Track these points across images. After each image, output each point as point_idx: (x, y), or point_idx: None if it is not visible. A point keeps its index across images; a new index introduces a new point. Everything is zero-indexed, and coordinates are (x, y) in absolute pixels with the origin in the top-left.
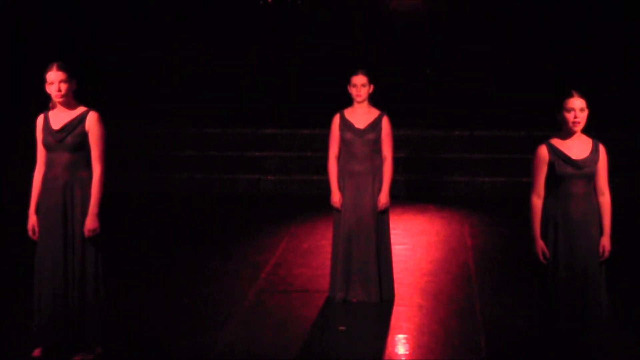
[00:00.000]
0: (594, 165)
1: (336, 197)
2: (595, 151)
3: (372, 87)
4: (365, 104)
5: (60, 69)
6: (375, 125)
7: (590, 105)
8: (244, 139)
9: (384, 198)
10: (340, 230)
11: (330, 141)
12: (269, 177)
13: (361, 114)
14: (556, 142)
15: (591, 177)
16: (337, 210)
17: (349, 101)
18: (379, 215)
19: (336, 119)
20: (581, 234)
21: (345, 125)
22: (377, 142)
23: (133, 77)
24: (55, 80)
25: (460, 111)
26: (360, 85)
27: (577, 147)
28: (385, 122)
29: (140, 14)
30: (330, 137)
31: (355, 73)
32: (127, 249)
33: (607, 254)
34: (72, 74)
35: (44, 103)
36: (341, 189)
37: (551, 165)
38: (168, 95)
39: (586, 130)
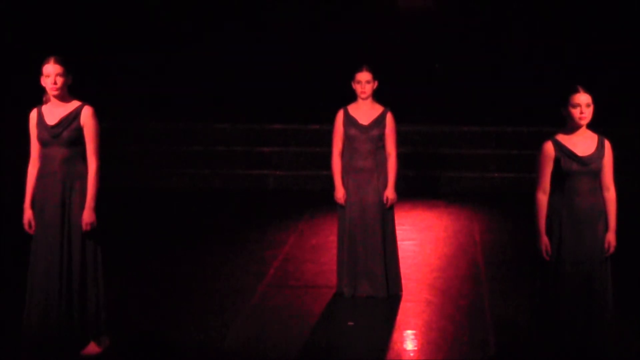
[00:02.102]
0: (599, 161)
1: (340, 194)
2: (600, 147)
3: (376, 83)
4: (369, 100)
5: (57, 62)
6: (380, 121)
7: (595, 100)
8: (251, 134)
9: (391, 194)
10: (344, 227)
11: (334, 137)
12: (277, 173)
13: (365, 110)
14: (562, 138)
15: (597, 174)
16: (342, 206)
17: (356, 96)
18: (384, 211)
19: (340, 115)
20: (587, 230)
21: (349, 121)
22: (381, 138)
23: (137, 74)
24: (51, 74)
25: (469, 106)
26: (364, 81)
27: (583, 143)
28: (389, 118)
29: (144, 10)
30: (334, 133)
31: (359, 69)
32: (134, 244)
33: (612, 249)
34: (69, 68)
35: (38, 97)
36: (345, 185)
37: (557, 162)
38: (174, 91)
39: (592, 126)
